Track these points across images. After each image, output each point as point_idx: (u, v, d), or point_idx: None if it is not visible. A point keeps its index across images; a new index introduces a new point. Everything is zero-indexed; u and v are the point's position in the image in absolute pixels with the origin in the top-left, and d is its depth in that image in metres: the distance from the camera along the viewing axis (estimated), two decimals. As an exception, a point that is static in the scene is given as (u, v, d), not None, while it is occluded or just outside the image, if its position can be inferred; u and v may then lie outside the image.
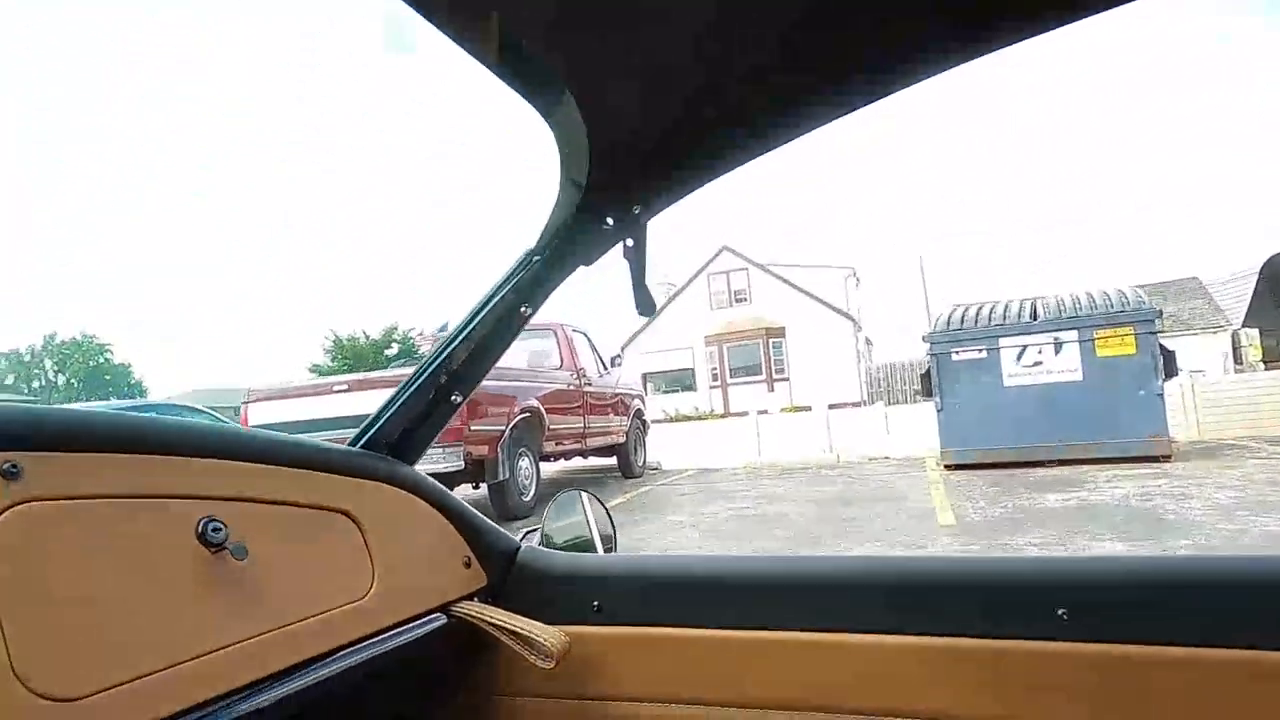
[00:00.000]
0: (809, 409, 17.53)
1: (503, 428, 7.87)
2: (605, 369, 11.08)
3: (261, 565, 0.88)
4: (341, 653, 0.93)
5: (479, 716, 1.18)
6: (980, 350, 10.02)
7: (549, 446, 9.09)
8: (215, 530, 0.84)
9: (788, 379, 25.98)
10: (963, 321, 10.38)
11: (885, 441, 13.28)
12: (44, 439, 0.75)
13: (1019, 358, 9.89)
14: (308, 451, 1.02)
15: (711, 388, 26.63)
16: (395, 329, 25.68)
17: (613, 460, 11.60)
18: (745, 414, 16.43)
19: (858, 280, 29.44)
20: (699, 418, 20.03)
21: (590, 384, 10.27)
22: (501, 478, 7.80)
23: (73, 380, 47.91)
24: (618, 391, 11.27)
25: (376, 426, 1.16)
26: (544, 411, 8.77)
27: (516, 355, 9.90)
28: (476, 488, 8.12)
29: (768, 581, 1.09)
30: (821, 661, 1.01)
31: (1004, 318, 10.20)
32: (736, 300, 27.62)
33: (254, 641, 0.84)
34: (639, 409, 12.03)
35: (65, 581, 0.72)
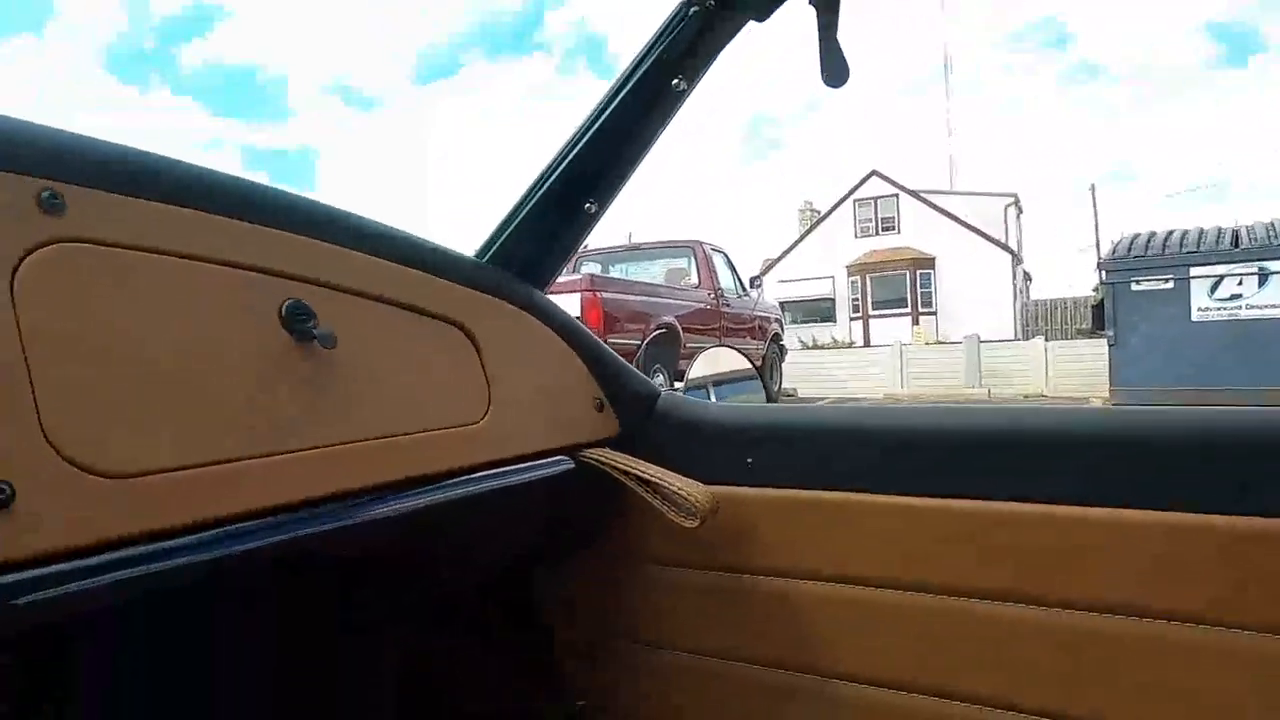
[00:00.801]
0: (958, 344, 16.54)
1: (638, 343, 7.80)
2: (744, 291, 10.77)
3: (358, 365, 0.73)
4: (446, 481, 0.78)
5: (602, 579, 1.03)
6: (1166, 280, 8.96)
7: (684, 365, 8.97)
8: (301, 315, 0.69)
9: (934, 313, 24.62)
10: (1146, 249, 9.28)
11: (1042, 379, 12.32)
12: (96, 172, 0.61)
13: (1213, 290, 8.78)
14: (422, 250, 0.86)
15: (852, 319, 25.65)
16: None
17: (748, 385, 11.38)
18: (888, 346, 15.70)
19: (1020, 209, 27.22)
20: (838, 346, 19.39)
21: (728, 305, 10.02)
22: (634, 393, 7.76)
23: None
24: (756, 314, 10.96)
25: (501, 239, 0.99)
26: (681, 330, 8.62)
27: (654, 271, 9.78)
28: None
29: (970, 439, 0.85)
30: (1030, 537, 0.78)
31: (1197, 245, 9.03)
32: (884, 229, 26.22)
33: (343, 448, 0.69)
34: (776, 333, 11.69)
35: (114, 342, 0.58)
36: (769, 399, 1.15)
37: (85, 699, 0.68)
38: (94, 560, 0.53)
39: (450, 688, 1.04)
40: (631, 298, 8.01)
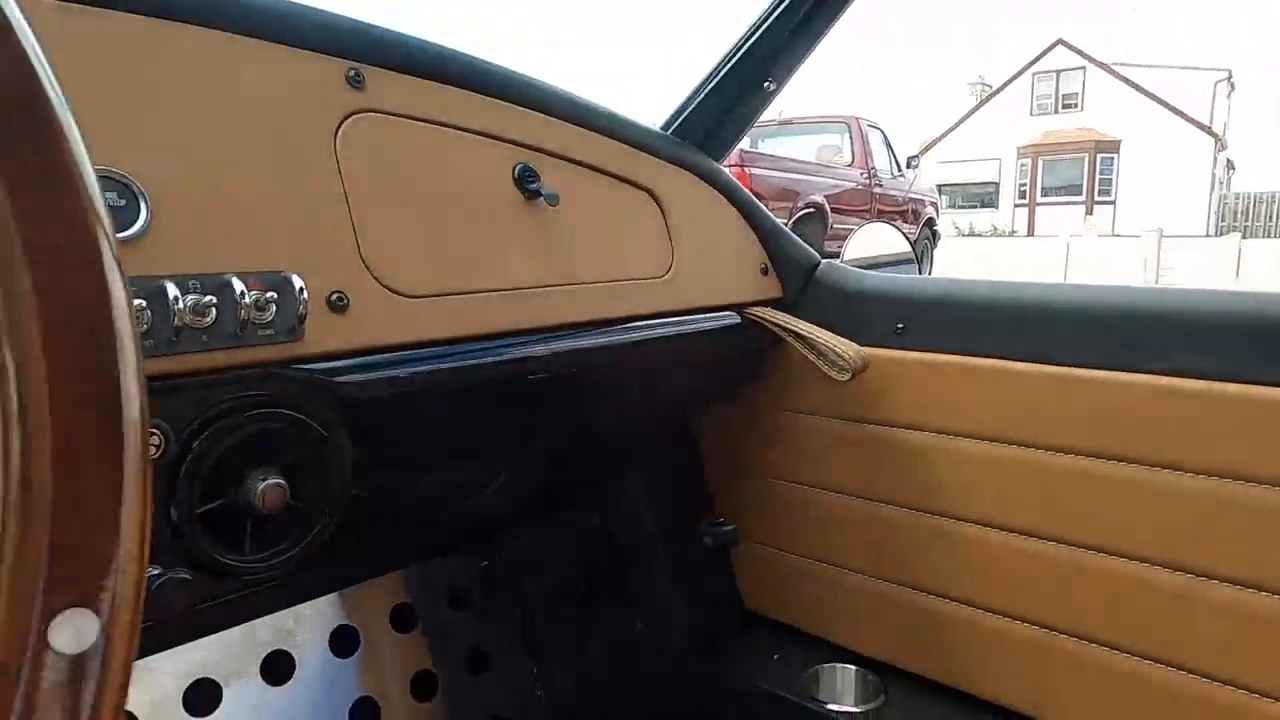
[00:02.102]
0: (1136, 238, 15.16)
1: (784, 221, 7.70)
2: (899, 171, 10.28)
3: (571, 221, 0.88)
4: (637, 323, 0.93)
5: (753, 420, 1.18)
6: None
7: (830, 247, 8.80)
8: (530, 177, 0.84)
9: (1113, 202, 22.51)
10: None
11: (1234, 283, 11.21)
12: (385, 55, 0.76)
13: None
14: (621, 124, 0.98)
15: (1016, 206, 23.89)
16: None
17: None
18: (1054, 237, 14.62)
19: (1232, 86, 23.89)
20: (998, 235, 18.22)
21: (881, 185, 9.63)
22: (777, 272, 7.73)
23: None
24: (910, 196, 10.48)
25: (685, 114, 1.10)
26: (829, 210, 8.42)
27: (804, 148, 9.47)
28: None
29: (1116, 313, 0.90)
30: (1159, 409, 0.84)
31: None
32: (1064, 106, 23.81)
33: (560, 288, 0.85)
34: (930, 217, 11.16)
35: (403, 192, 0.75)
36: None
37: (379, 457, 0.90)
38: (392, 356, 0.72)
39: (622, 496, 1.24)
40: (780, 174, 7.86)
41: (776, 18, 1.01)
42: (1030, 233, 21.45)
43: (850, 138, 9.36)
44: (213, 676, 1.09)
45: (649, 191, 0.99)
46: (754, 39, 1.03)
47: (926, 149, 22.89)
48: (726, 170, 1.11)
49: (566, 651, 1.38)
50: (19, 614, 0.21)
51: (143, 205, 0.59)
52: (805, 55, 1.05)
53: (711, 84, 1.07)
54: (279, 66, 0.70)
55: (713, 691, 1.19)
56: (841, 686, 1.12)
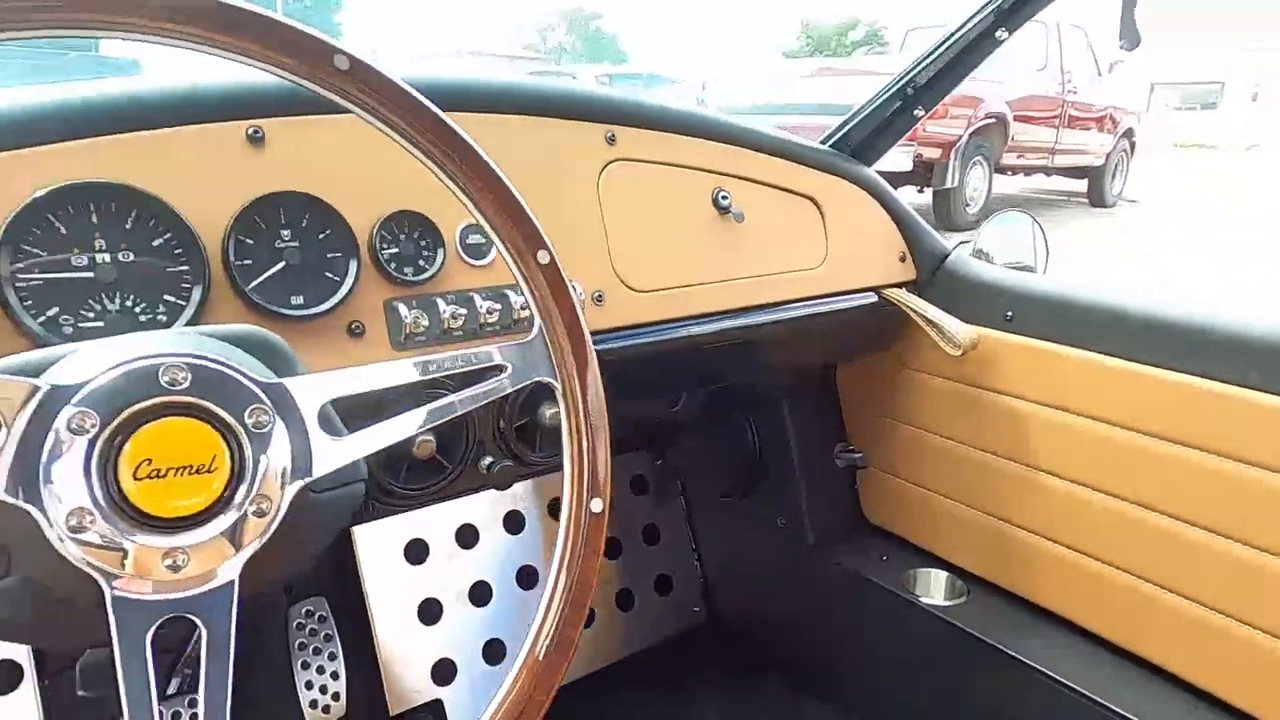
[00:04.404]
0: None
1: (960, 132, 7.42)
2: (1098, 74, 9.44)
3: (751, 227, 1.19)
4: (797, 304, 1.24)
5: (882, 377, 1.47)
6: None
7: (1008, 159, 8.39)
8: (724, 198, 1.16)
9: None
10: None
11: None
12: (626, 118, 1.09)
13: None
14: (789, 145, 1.27)
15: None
16: (857, 21, 24.34)
17: (1081, 184, 10.30)
18: (1282, 148, 12.92)
19: None
20: (1214, 147, 16.28)
21: (1075, 91, 8.92)
22: (949, 185, 7.53)
23: (576, 42, 54.81)
24: (1108, 104, 9.63)
25: (844, 130, 1.36)
26: (1011, 119, 7.98)
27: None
28: (921, 191, 7.98)
29: (1192, 325, 1.11)
30: (1210, 407, 1.05)
31: None
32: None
33: (744, 280, 1.18)
34: (1130, 127, 10.23)
35: (637, 216, 1.09)
36: (1046, 250, 1.44)
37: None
38: (633, 332, 1.08)
39: (775, 423, 1.59)
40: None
41: (933, 61, 1.24)
42: (1258, 142, 18.92)
43: (1045, 38, 8.67)
44: (423, 538, 1.55)
45: (810, 199, 1.28)
46: (913, 74, 1.27)
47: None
48: (877, 174, 1.37)
49: (719, 534, 1.78)
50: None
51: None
52: (952, 89, 1.28)
53: (872, 106, 1.32)
54: (563, 133, 1.05)
55: (829, 577, 1.54)
56: (933, 586, 1.45)
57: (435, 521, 1.54)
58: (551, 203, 1.01)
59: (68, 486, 0.45)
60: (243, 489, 0.49)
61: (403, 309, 0.88)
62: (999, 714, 1.26)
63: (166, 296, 0.78)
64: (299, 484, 0.51)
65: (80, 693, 0.75)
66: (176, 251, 0.79)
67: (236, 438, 0.49)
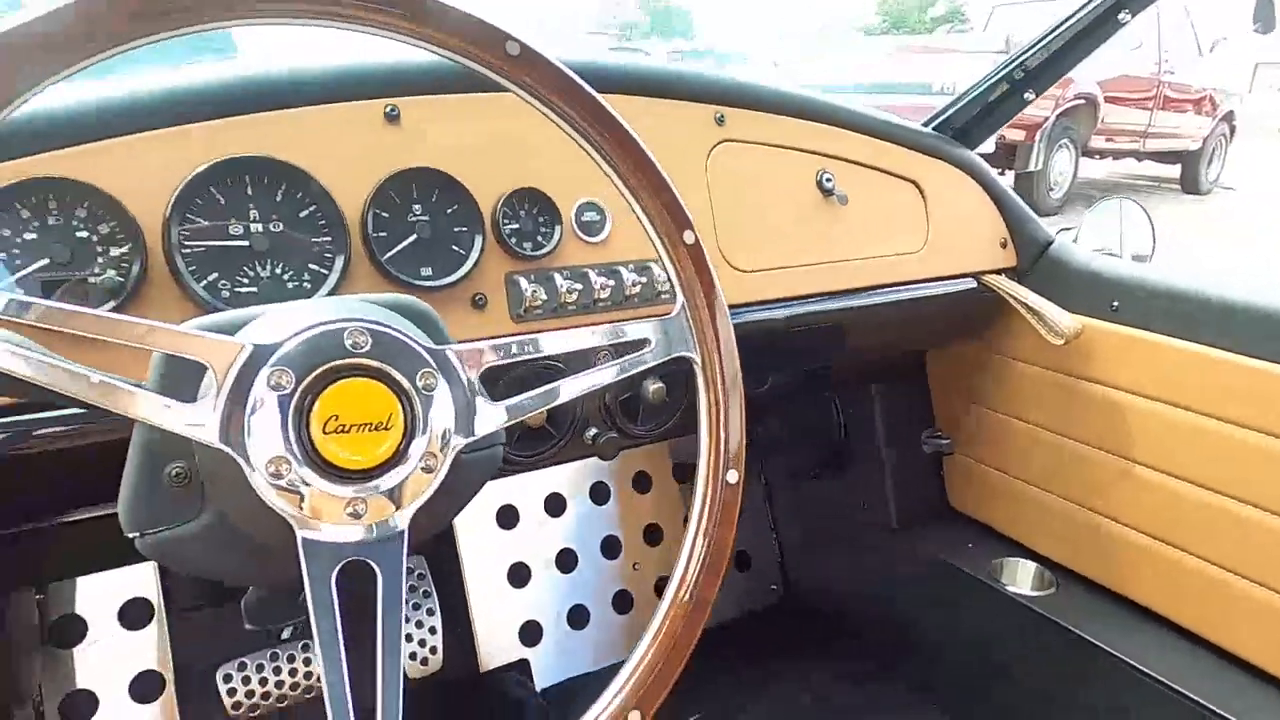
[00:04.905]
0: None
1: (1047, 114, 7.15)
2: (1199, 53, 8.96)
3: (854, 210, 1.20)
4: (895, 287, 1.24)
5: (982, 365, 1.46)
6: None
7: (1097, 142, 8.06)
8: (828, 180, 1.16)
9: None
10: None
11: None
12: (735, 99, 1.10)
13: None
14: (892, 127, 1.26)
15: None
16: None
17: (1173, 169, 9.82)
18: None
19: None
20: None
21: (1173, 72, 8.49)
22: (1032, 168, 7.28)
23: (646, 17, 54.52)
24: (1208, 85, 9.15)
25: (949, 112, 1.34)
26: (1101, 100, 7.65)
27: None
28: (1002, 174, 7.70)
29: None
30: None
31: None
32: None
33: (844, 263, 1.18)
34: (1231, 110, 9.69)
35: (742, 197, 1.11)
36: (1152, 237, 1.40)
37: None
38: (735, 312, 1.10)
39: (863, 404, 1.59)
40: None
41: (1046, 43, 1.22)
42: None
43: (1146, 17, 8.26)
44: (514, 505, 1.60)
45: (913, 182, 1.27)
46: (1025, 56, 1.25)
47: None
48: (980, 158, 1.35)
49: (798, 513, 1.79)
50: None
51: (608, 220, 0.99)
52: (1066, 73, 1.25)
53: (978, 90, 1.30)
54: (675, 113, 1.06)
55: (912, 562, 1.55)
56: (1020, 575, 1.44)
57: (526, 489, 1.60)
58: None
59: (267, 437, 0.49)
60: (415, 446, 0.53)
61: (523, 282, 0.92)
62: (1087, 706, 1.25)
63: (311, 265, 0.84)
64: (461, 443, 0.55)
65: (247, 626, 0.82)
66: (320, 223, 0.84)
67: (409, 398, 0.53)
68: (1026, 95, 1.28)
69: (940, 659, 1.51)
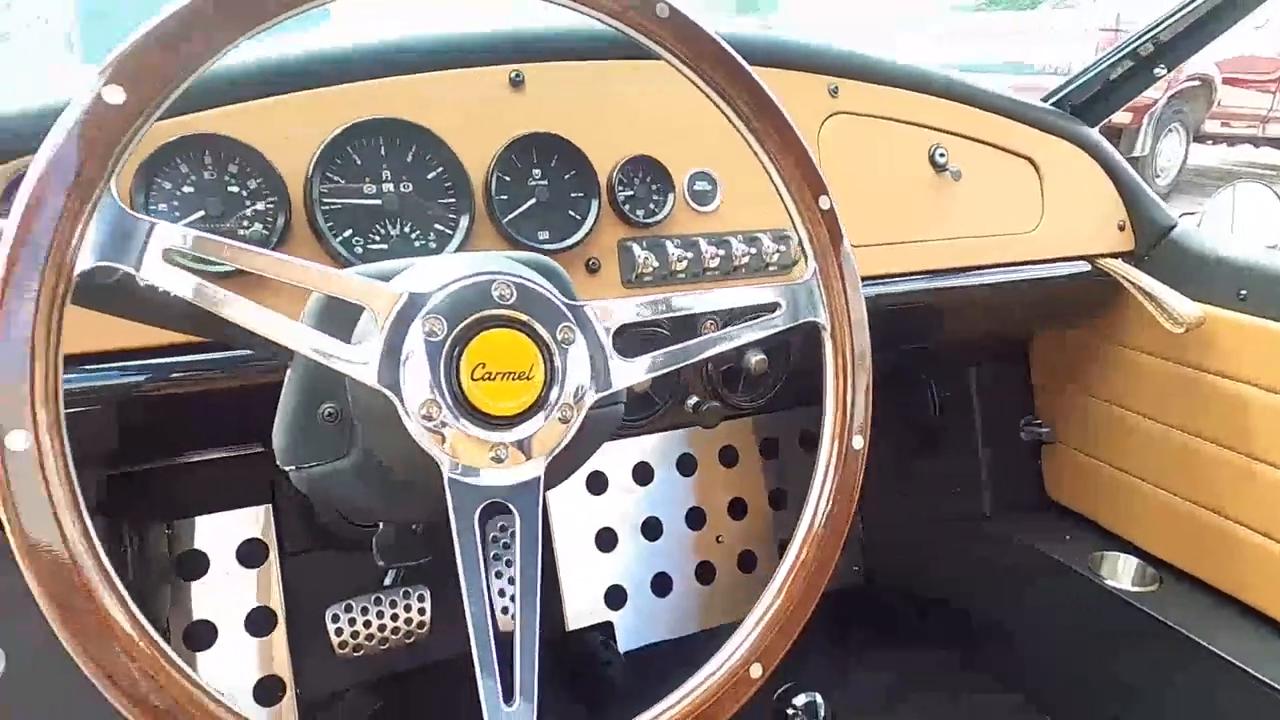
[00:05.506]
0: None
1: (1157, 96, 6.77)
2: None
3: (966, 187, 1.17)
4: (1005, 268, 1.21)
5: (1090, 353, 1.41)
6: None
7: (1210, 126, 7.59)
8: (941, 155, 1.14)
9: None
10: None
11: None
12: (849, 70, 1.09)
13: None
14: (1008, 102, 1.22)
15: None
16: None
17: (1295, 157, 9.18)
18: None
19: None
20: None
21: (1300, 52, 7.92)
22: (1138, 153, 6.91)
23: (733, -5, 53.96)
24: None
25: (1070, 88, 1.29)
26: (1219, 82, 7.20)
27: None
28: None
29: None
30: None
31: None
32: None
33: (954, 241, 1.16)
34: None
35: (853, 170, 1.09)
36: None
37: None
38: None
39: (960, 388, 1.56)
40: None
41: (1183, 14, 1.15)
42: None
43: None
44: (603, 471, 1.63)
45: (1029, 159, 1.23)
46: (1156, 30, 1.19)
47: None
48: (1100, 136, 1.30)
49: (884, 496, 1.77)
50: None
51: (719, 190, 0.99)
52: (1201, 48, 1.18)
53: (1103, 64, 1.25)
54: (788, 84, 1.05)
55: (1005, 551, 1.51)
56: (1121, 570, 1.39)
57: (615, 458, 1.63)
58: None
59: (420, 381, 0.52)
60: (553, 396, 0.55)
61: (636, 249, 0.93)
62: (1191, 707, 1.21)
63: (437, 226, 0.87)
64: (595, 396, 0.57)
65: (379, 563, 0.87)
66: (446, 185, 0.87)
67: (549, 350, 0.55)
68: (1156, 71, 1.22)
69: (1029, 652, 1.48)
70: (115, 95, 0.44)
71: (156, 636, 0.44)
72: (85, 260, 0.44)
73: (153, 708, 0.43)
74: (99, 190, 0.44)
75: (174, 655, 0.44)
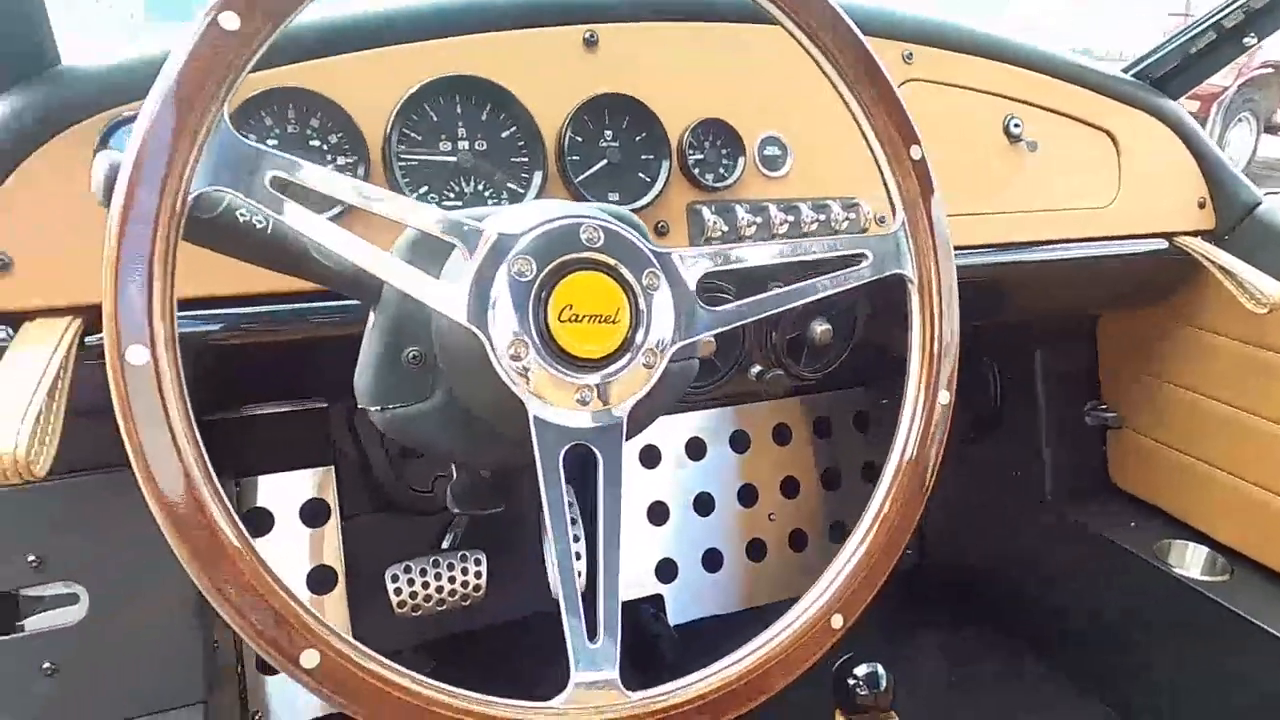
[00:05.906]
0: None
1: (1227, 85, 6.52)
2: None
3: (1041, 159, 1.14)
4: (1078, 243, 1.18)
5: (1162, 334, 1.37)
6: None
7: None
8: (1016, 125, 1.11)
9: None
10: None
11: None
12: (924, 37, 1.06)
13: None
14: (1087, 72, 1.19)
15: None
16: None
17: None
18: None
19: None
20: None
21: (1383, 39, 7.55)
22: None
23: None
24: None
25: (1151, 58, 1.25)
26: (1294, 70, 6.90)
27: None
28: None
29: None
30: None
31: None
32: None
33: (1027, 214, 1.13)
34: None
35: (926, 138, 1.07)
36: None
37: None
38: None
39: (1024, 368, 1.52)
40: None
41: None
42: None
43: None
44: (656, 445, 1.62)
45: (1106, 131, 1.19)
46: None
47: None
48: (1183, 108, 1.25)
49: (939, 478, 1.74)
50: None
51: (789, 155, 0.98)
52: None
53: (1189, 34, 1.20)
54: None
55: (1067, 537, 1.48)
56: (1189, 559, 1.35)
57: (668, 431, 1.63)
58: (847, 122, 1.01)
59: (508, 320, 0.52)
60: (638, 339, 0.55)
61: (705, 212, 0.93)
62: (1262, 699, 1.17)
63: (509, 185, 0.87)
64: (679, 344, 0.57)
65: (455, 510, 0.88)
66: (519, 144, 0.87)
67: (635, 295, 0.55)
68: (1246, 40, 1.17)
69: (1092, 640, 1.45)
70: (231, 21, 0.45)
71: (260, 553, 0.45)
72: (200, 182, 0.45)
73: (252, 622, 0.44)
74: (214, 114, 0.45)
75: (272, 568, 0.45)
